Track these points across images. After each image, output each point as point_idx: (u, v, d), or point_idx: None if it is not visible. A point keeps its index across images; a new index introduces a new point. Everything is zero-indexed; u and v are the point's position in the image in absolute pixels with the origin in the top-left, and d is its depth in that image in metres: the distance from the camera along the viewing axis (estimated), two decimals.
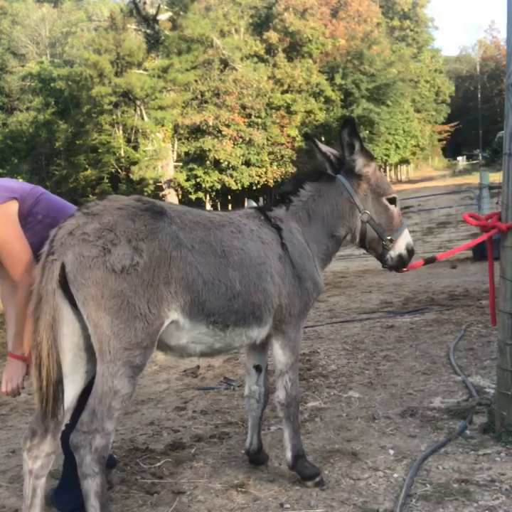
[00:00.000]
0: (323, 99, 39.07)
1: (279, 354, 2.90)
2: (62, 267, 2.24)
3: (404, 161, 50.69)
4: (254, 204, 17.44)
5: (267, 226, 2.87)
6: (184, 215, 2.57)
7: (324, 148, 3.13)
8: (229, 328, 2.64)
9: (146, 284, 2.29)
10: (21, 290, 2.61)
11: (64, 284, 2.26)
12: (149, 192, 31.15)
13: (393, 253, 3.09)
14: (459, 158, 61.11)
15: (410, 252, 3.14)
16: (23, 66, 41.01)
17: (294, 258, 2.84)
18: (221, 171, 35.41)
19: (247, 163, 35.73)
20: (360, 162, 3.00)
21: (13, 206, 2.67)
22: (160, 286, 2.34)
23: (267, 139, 36.06)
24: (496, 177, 13.53)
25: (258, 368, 3.16)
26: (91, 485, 2.26)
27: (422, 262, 3.40)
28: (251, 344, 2.90)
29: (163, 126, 32.71)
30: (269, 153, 36.31)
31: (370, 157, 3.04)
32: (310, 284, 2.89)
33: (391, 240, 3.06)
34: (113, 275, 2.23)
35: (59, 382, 2.26)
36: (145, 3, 31.83)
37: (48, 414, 2.27)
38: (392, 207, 3.08)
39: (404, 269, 3.20)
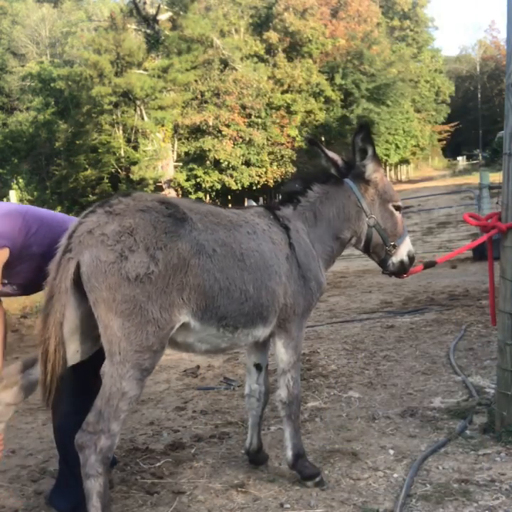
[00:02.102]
0: (323, 99, 39.03)
1: (281, 352, 2.91)
2: (77, 265, 2.24)
3: (404, 161, 50.66)
4: (254, 204, 17.44)
5: (276, 225, 2.89)
6: (206, 217, 2.56)
7: (330, 153, 3.15)
8: (238, 330, 2.65)
9: (160, 291, 2.29)
10: None
11: (77, 280, 2.27)
12: (149, 192, 31.10)
13: (395, 259, 3.12)
14: (459, 158, 61.09)
15: (411, 259, 3.18)
16: (23, 66, 40.95)
17: (299, 258, 2.87)
18: (221, 171, 35.38)
19: (247, 163, 35.69)
20: (370, 168, 3.03)
21: (3, 255, 2.57)
22: (173, 293, 2.33)
23: (267, 139, 36.02)
24: (496, 177, 13.53)
25: (258, 367, 3.16)
26: (94, 485, 2.26)
27: (421, 267, 3.41)
28: (254, 343, 2.92)
29: (163, 126, 32.67)
30: (269, 153, 36.26)
31: (379, 163, 3.08)
32: (314, 284, 2.92)
33: (394, 246, 3.09)
34: (126, 282, 2.23)
35: (62, 377, 2.29)
36: (145, 3, 31.80)
37: (49, 404, 2.31)
38: (397, 213, 3.12)
39: (405, 275, 3.23)
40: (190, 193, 36.05)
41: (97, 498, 2.26)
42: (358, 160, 3.02)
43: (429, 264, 3.47)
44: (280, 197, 3.31)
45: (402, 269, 3.16)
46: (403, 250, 3.12)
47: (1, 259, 2.54)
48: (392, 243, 3.08)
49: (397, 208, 3.12)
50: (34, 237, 2.64)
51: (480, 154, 54.54)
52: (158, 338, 2.32)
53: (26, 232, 2.62)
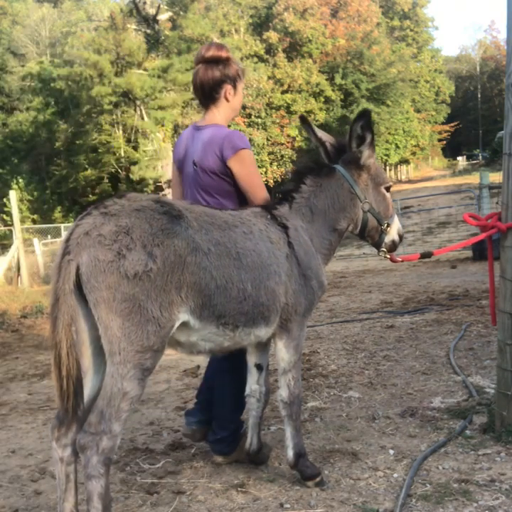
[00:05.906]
0: (323, 99, 39.06)
1: (282, 352, 2.91)
2: (77, 268, 2.25)
3: (404, 161, 50.67)
4: None
5: (273, 225, 2.87)
6: (200, 217, 2.56)
7: (320, 133, 3.14)
8: (239, 329, 2.65)
9: (159, 288, 2.29)
10: None
11: (78, 283, 2.27)
12: (149, 192, 31.10)
13: (388, 239, 3.21)
14: (459, 158, 61.06)
15: (401, 237, 3.29)
16: (23, 66, 40.90)
17: (299, 257, 2.86)
18: None
19: None
20: (366, 154, 3.03)
21: None
22: (172, 291, 2.33)
23: (267, 139, 36.06)
24: (496, 177, 13.54)
25: (259, 367, 3.15)
26: (95, 486, 2.25)
27: (418, 255, 3.48)
28: (258, 342, 2.92)
29: (163, 126, 32.66)
30: (269, 153, 36.31)
31: (374, 149, 3.08)
32: (315, 282, 2.91)
33: (388, 225, 3.17)
34: (125, 280, 2.23)
35: (78, 379, 2.29)
36: (145, 3, 31.76)
37: (70, 410, 2.29)
38: (388, 195, 3.19)
39: (400, 259, 3.35)
40: None
41: (98, 499, 2.26)
42: (355, 146, 3.01)
43: (426, 255, 3.52)
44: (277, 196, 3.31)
45: (393, 248, 3.27)
46: (394, 230, 3.22)
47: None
48: (386, 222, 3.16)
49: (388, 189, 3.20)
50: None
51: (480, 154, 54.54)
52: (159, 338, 2.32)
53: None
